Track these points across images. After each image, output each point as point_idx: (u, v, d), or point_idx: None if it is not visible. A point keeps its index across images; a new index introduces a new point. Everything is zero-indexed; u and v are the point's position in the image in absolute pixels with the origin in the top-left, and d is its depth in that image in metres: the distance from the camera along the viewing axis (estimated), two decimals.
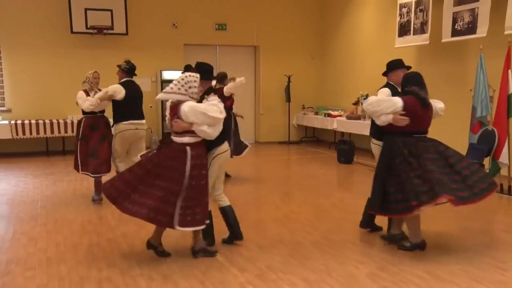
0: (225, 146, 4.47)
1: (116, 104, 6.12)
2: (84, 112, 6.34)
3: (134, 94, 6.21)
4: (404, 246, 4.48)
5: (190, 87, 4.13)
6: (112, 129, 6.41)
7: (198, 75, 4.24)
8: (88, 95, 6.28)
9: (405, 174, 4.26)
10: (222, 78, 7.45)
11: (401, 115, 4.31)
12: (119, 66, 6.25)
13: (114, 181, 4.28)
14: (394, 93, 4.69)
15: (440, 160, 4.31)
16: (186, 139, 4.13)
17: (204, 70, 4.55)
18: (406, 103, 4.34)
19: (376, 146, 4.81)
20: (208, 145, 4.33)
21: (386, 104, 4.36)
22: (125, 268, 4.08)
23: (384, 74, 5.00)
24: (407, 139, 4.36)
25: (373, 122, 4.71)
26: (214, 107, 4.13)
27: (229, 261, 4.24)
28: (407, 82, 4.50)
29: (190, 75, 4.20)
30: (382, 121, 4.42)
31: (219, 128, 4.21)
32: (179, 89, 4.12)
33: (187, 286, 3.73)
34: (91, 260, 4.28)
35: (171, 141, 4.23)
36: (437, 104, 4.64)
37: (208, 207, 4.32)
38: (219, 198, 4.58)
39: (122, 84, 6.13)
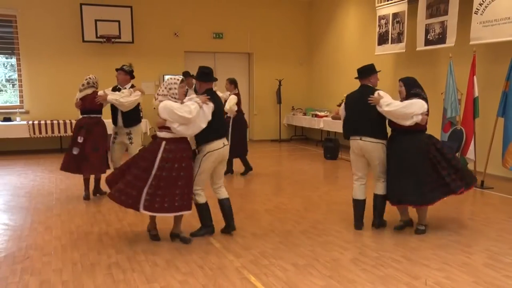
0: (217, 144, 4.34)
1: (136, 107, 6.08)
2: (96, 111, 6.05)
3: None
4: (420, 230, 4.62)
5: (170, 89, 4.17)
6: (131, 129, 6.10)
7: (179, 78, 4.27)
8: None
9: (435, 167, 4.47)
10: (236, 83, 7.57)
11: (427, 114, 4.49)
12: (121, 68, 6.05)
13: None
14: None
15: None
16: (162, 134, 4.17)
17: (202, 73, 4.49)
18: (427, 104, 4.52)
19: (379, 145, 4.60)
20: (197, 142, 4.33)
21: (418, 106, 4.40)
22: (132, 254, 4.09)
23: (363, 77, 4.80)
24: (428, 135, 4.58)
25: (377, 123, 4.58)
26: (185, 107, 4.09)
27: (226, 247, 4.25)
28: (412, 85, 4.59)
29: (171, 78, 4.25)
30: (413, 121, 4.41)
31: (194, 127, 4.16)
32: (162, 91, 4.20)
33: (187, 270, 3.74)
34: (101, 247, 4.29)
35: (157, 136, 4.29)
36: None
37: (187, 198, 4.19)
38: (217, 191, 4.57)
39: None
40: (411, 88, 4.55)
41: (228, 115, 7.46)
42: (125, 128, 6.07)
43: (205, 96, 4.30)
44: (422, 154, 4.47)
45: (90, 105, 5.98)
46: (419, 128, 4.51)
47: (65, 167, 6.01)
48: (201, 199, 4.42)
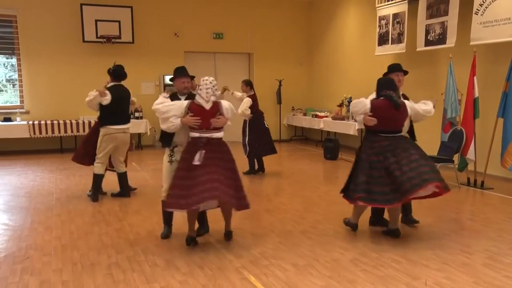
0: None
1: (103, 108, 5.77)
2: None
3: (119, 99, 5.83)
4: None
5: (216, 90, 4.29)
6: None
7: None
8: None
9: (360, 170, 4.39)
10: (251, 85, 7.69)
11: (370, 116, 4.36)
12: (108, 70, 6.04)
13: (172, 195, 4.03)
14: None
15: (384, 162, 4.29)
16: (220, 134, 4.30)
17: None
18: (373, 105, 4.38)
19: None
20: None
21: (360, 106, 4.45)
22: (132, 254, 4.09)
23: (385, 75, 4.90)
24: (375, 138, 4.41)
25: None
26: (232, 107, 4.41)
27: (226, 247, 4.25)
28: (382, 87, 4.48)
29: (214, 80, 4.29)
30: (358, 120, 4.55)
31: None
32: (212, 92, 4.22)
33: (187, 270, 3.74)
34: (101, 247, 4.29)
35: (206, 139, 4.16)
36: (422, 106, 4.62)
37: None
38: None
39: (108, 89, 5.80)
40: (380, 90, 4.48)
41: (243, 117, 7.52)
42: None
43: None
44: (358, 156, 4.49)
45: None
46: (367, 128, 4.51)
47: None
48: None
